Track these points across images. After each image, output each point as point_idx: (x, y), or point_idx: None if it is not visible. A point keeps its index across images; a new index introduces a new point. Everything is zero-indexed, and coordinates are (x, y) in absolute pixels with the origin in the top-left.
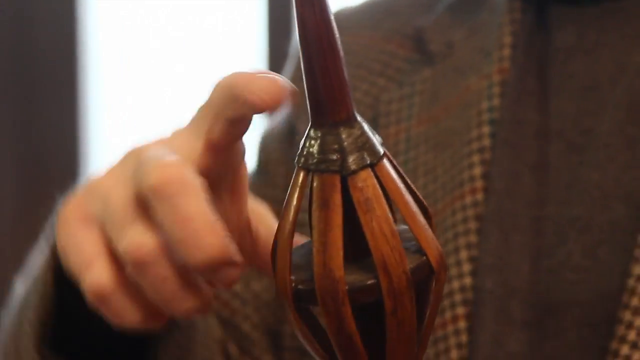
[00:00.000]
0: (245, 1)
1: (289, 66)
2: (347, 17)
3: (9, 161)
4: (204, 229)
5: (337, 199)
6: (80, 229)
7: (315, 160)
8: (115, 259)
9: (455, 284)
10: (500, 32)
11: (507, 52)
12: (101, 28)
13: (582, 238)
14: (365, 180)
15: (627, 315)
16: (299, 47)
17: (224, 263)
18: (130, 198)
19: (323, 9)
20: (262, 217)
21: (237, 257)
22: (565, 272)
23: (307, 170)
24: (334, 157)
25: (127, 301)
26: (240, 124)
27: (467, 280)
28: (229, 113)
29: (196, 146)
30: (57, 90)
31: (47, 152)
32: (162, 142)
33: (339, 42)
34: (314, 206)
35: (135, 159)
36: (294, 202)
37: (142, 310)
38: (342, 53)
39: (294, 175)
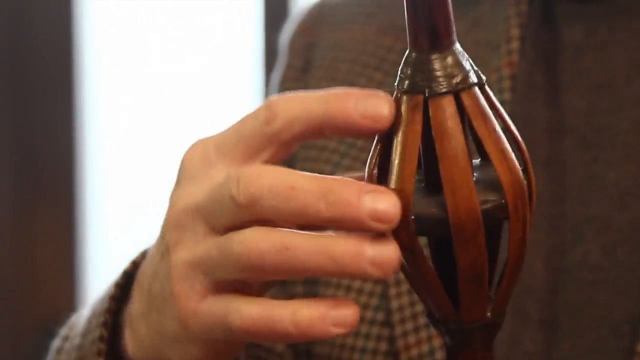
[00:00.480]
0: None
1: (280, 61)
2: (335, 10)
3: (6, 162)
4: (308, 185)
5: (488, 108)
6: (203, 304)
7: (459, 79)
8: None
9: None
10: (507, 24)
11: (515, 44)
12: (98, 28)
13: (600, 237)
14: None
15: None
16: None
17: (348, 199)
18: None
19: None
20: None
21: None
22: (583, 272)
23: (440, 92)
24: (470, 72)
25: (277, 312)
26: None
27: None
28: (311, 137)
29: None
30: (53, 92)
31: (44, 154)
32: (198, 185)
33: None
34: (477, 121)
35: (193, 214)
36: (418, 128)
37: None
38: None
39: (407, 105)
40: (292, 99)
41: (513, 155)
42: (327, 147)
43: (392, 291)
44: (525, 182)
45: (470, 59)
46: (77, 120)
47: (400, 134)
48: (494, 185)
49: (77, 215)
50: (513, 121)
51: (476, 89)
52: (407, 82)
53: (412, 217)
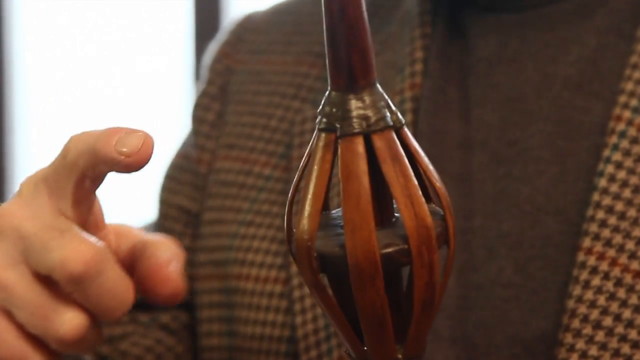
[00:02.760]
0: (173, 3)
1: (199, 85)
2: (256, 34)
3: None
4: (123, 292)
5: (401, 151)
6: None
7: (372, 120)
8: (36, 337)
9: None
10: (411, 47)
11: (419, 67)
12: (27, 31)
13: (513, 254)
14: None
15: (568, 338)
16: (326, 15)
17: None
18: (33, 282)
19: None
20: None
21: None
22: (496, 289)
23: (351, 133)
24: (387, 114)
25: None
26: (102, 178)
27: None
28: (97, 171)
29: (63, 206)
30: None
31: None
32: (29, 212)
33: (364, 6)
34: (386, 164)
35: (14, 238)
36: (327, 167)
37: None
38: (366, 18)
39: (320, 143)
40: (82, 136)
41: (422, 201)
42: (246, 184)
43: (298, 320)
44: (435, 228)
45: (390, 100)
46: (6, 122)
47: (311, 171)
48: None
49: None
50: (420, 140)
51: (390, 131)
52: (323, 120)
53: (315, 254)
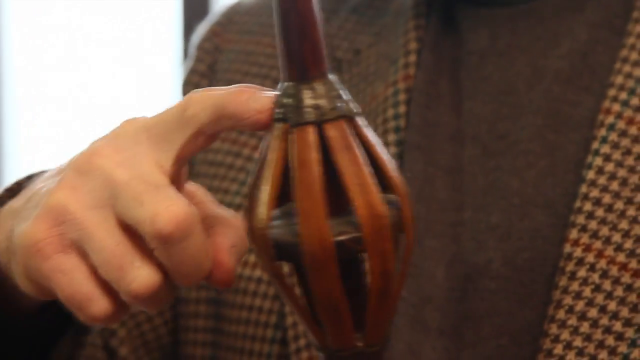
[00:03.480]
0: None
1: (187, 63)
2: (246, 16)
3: None
4: (202, 261)
5: (354, 140)
6: (64, 261)
7: (325, 110)
8: (106, 283)
9: None
10: (405, 38)
11: (412, 58)
12: (17, 25)
13: (501, 246)
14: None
15: (553, 329)
16: (276, 8)
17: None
18: (115, 229)
19: None
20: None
21: None
22: (485, 280)
23: (303, 122)
24: (339, 104)
25: (124, 315)
26: (215, 137)
27: None
28: (216, 128)
29: (164, 160)
30: None
31: None
32: (123, 157)
33: None
34: (337, 152)
35: (103, 179)
36: (281, 156)
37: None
38: (317, 10)
39: (274, 133)
40: (206, 92)
41: (374, 189)
42: (234, 165)
43: (287, 308)
44: (391, 217)
45: (345, 90)
46: None
47: (266, 160)
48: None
49: None
50: (412, 132)
51: (343, 121)
52: (277, 110)
53: (271, 242)
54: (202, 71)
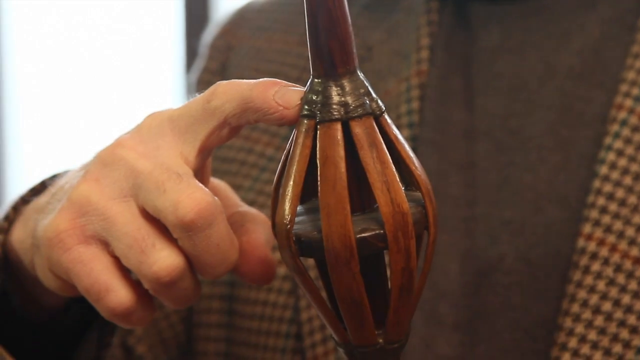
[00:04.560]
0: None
1: (199, 63)
2: (258, 14)
3: None
4: (228, 250)
5: (379, 137)
6: (84, 251)
7: (351, 107)
8: (127, 275)
9: None
10: (417, 34)
11: (425, 54)
12: (19, 28)
13: (515, 240)
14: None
15: (567, 322)
16: (306, 4)
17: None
18: (137, 216)
19: None
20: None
21: None
22: (498, 275)
23: (330, 119)
24: (366, 101)
25: (145, 312)
26: (239, 129)
27: None
28: (241, 121)
29: (188, 151)
30: None
31: None
32: (146, 148)
33: None
34: (363, 149)
35: (126, 170)
36: (306, 153)
37: (152, 312)
38: (346, 7)
39: (301, 129)
40: (231, 84)
41: (399, 187)
42: (247, 161)
43: (302, 303)
44: (414, 214)
45: (371, 87)
46: None
47: (292, 156)
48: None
49: None
50: (426, 128)
51: (370, 118)
52: (305, 106)
53: (293, 237)
54: (215, 69)
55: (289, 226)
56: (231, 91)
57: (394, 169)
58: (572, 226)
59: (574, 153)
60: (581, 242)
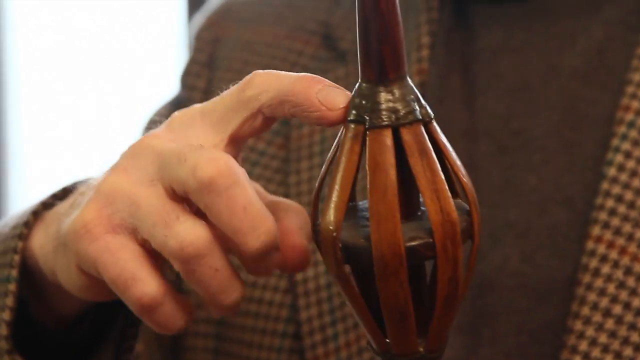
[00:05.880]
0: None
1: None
2: (244, 6)
3: None
4: (259, 216)
5: (429, 145)
6: (112, 241)
7: (401, 114)
8: (156, 265)
9: None
10: (417, 32)
11: (425, 52)
12: (22, 20)
13: (519, 242)
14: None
15: (577, 325)
16: (359, 8)
17: (275, 247)
18: (163, 195)
19: None
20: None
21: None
22: (502, 277)
23: (380, 125)
24: (416, 108)
25: (175, 310)
26: (272, 122)
27: None
28: (275, 112)
29: (218, 140)
30: None
31: None
32: (175, 136)
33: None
34: (414, 157)
35: (152, 155)
36: (355, 159)
37: (187, 313)
38: (399, 12)
39: (348, 134)
40: (269, 74)
41: (448, 195)
42: (249, 159)
43: (301, 302)
44: (460, 222)
45: (419, 94)
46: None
47: (339, 162)
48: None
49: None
50: None
51: (419, 125)
52: (352, 111)
53: (340, 245)
54: (203, 61)
55: (335, 234)
56: (269, 81)
57: (443, 177)
58: (579, 228)
59: (579, 154)
60: (590, 245)
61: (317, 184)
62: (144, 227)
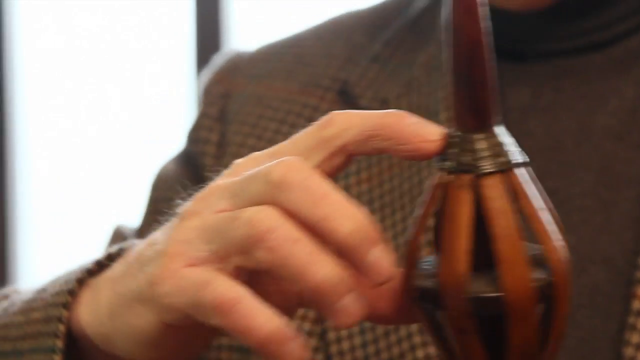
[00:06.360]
0: (174, 4)
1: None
2: (252, 62)
3: None
4: (343, 201)
5: (534, 187)
6: (188, 269)
7: (506, 158)
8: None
9: None
10: (445, 91)
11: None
12: (27, 29)
13: None
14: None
15: None
16: (454, 54)
17: (368, 235)
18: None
19: (483, 17)
20: None
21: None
22: None
23: (490, 172)
24: (515, 152)
25: (255, 305)
26: (351, 159)
27: None
28: (361, 149)
29: None
30: None
31: None
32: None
33: (492, 48)
34: (525, 199)
35: (220, 191)
36: (469, 209)
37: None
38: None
39: (455, 186)
40: (350, 112)
41: (558, 233)
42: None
43: (331, 336)
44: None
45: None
46: (5, 124)
47: (449, 214)
48: (537, 263)
49: (8, 225)
50: None
51: (522, 168)
52: (453, 162)
53: (467, 297)
54: (214, 115)
55: (465, 286)
56: (351, 118)
57: (549, 217)
58: (621, 287)
59: (617, 214)
60: (636, 304)
61: (412, 239)
62: (221, 243)
